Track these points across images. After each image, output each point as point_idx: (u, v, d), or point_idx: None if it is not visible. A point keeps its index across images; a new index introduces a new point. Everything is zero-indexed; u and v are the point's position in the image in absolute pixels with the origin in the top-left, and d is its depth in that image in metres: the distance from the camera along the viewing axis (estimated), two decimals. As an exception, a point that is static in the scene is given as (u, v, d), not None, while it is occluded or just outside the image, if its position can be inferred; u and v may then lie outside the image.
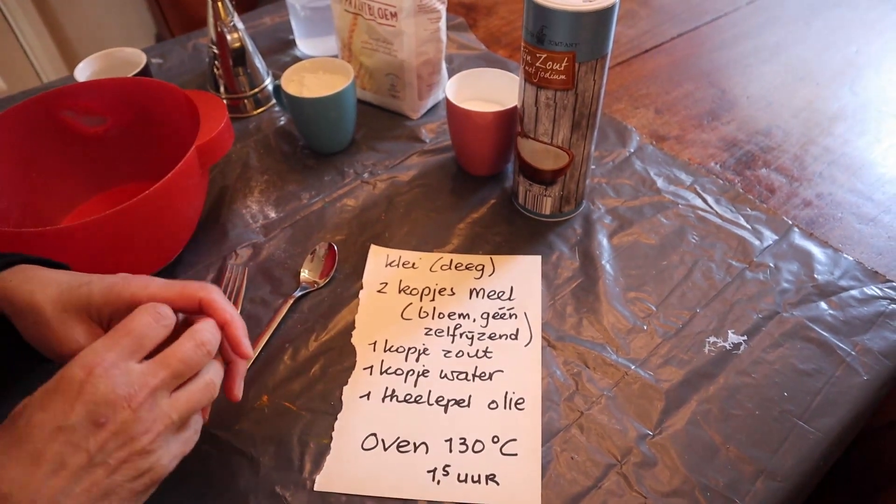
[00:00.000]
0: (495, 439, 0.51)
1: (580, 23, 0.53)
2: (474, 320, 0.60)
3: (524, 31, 0.57)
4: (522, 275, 0.64)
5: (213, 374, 0.41)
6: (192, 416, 0.40)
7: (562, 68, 0.56)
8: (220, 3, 0.78)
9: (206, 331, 0.40)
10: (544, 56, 0.55)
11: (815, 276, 0.63)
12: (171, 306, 0.41)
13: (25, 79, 1.87)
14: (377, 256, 0.66)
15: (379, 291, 0.63)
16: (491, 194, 0.73)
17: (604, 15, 0.53)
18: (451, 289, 0.63)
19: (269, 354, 0.58)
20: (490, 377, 0.56)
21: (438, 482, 0.49)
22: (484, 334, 0.59)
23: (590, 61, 0.55)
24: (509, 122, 0.68)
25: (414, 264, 0.65)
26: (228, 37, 0.80)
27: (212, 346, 0.40)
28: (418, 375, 0.56)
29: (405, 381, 0.55)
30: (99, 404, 0.34)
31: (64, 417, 0.34)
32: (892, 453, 0.72)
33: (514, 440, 0.51)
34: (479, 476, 0.49)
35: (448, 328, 0.59)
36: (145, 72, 0.79)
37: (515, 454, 0.50)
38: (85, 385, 0.35)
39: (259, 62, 0.85)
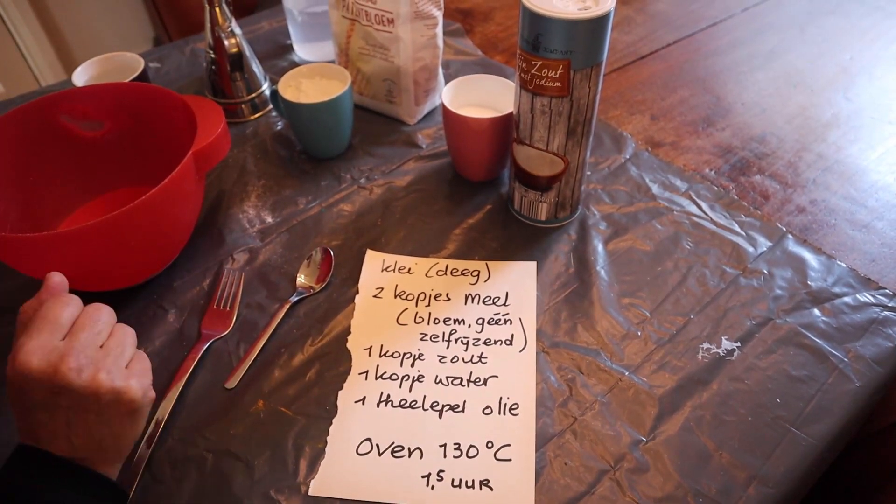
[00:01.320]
0: (489, 445, 0.51)
1: (575, 30, 0.53)
2: (469, 326, 0.60)
3: (520, 38, 0.57)
4: (517, 280, 0.64)
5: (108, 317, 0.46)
6: (110, 339, 0.45)
7: (557, 75, 0.56)
8: (217, 9, 0.78)
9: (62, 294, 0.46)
10: (540, 63, 0.56)
11: (809, 282, 0.63)
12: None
13: (23, 82, 1.87)
14: (373, 261, 0.66)
15: (375, 296, 0.63)
16: (487, 200, 0.73)
17: (599, 23, 0.53)
18: (447, 294, 0.63)
19: (265, 359, 0.58)
20: (485, 382, 0.56)
21: (433, 487, 0.49)
22: (479, 340, 0.59)
23: (585, 69, 0.56)
24: (505, 129, 0.68)
25: (410, 269, 0.66)
26: (226, 42, 0.80)
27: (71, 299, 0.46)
28: (413, 380, 0.56)
29: (400, 387, 0.56)
30: (44, 382, 0.41)
31: (28, 396, 0.41)
32: (888, 458, 0.73)
33: (508, 445, 0.51)
34: (473, 481, 0.49)
35: (443, 333, 0.60)
36: (143, 76, 0.79)
37: (509, 459, 0.50)
38: (28, 381, 0.41)
39: (256, 67, 0.85)
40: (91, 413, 0.42)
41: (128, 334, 0.46)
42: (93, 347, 0.43)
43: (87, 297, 0.63)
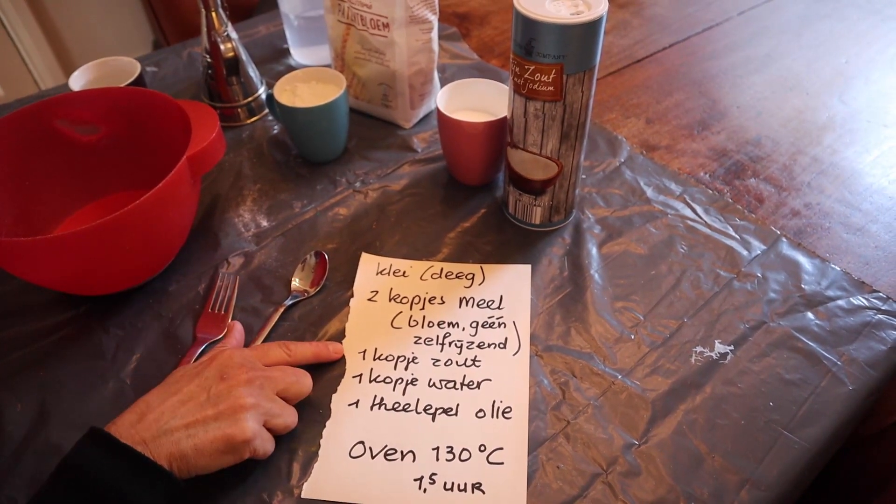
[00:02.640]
0: (482, 448, 0.51)
1: (568, 35, 0.53)
2: (463, 329, 0.60)
3: (513, 42, 0.57)
4: (512, 284, 0.64)
5: (298, 386, 0.53)
6: (275, 414, 0.49)
7: (550, 80, 0.56)
8: (213, 13, 0.79)
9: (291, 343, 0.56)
10: (532, 68, 0.56)
11: (803, 286, 0.63)
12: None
13: (23, 85, 1.88)
14: (368, 265, 0.66)
15: (369, 300, 0.63)
16: (481, 204, 0.73)
17: (591, 27, 0.54)
18: (441, 297, 0.63)
19: (259, 363, 0.58)
20: (478, 386, 0.56)
21: (425, 490, 0.49)
22: (473, 343, 0.59)
23: (578, 73, 0.56)
24: (499, 133, 0.69)
25: (404, 273, 0.66)
26: (222, 46, 0.81)
27: (293, 349, 0.55)
28: (407, 384, 0.56)
29: (394, 390, 0.56)
30: (227, 367, 0.48)
31: (203, 370, 0.48)
32: (882, 461, 0.73)
33: (501, 449, 0.51)
34: (466, 485, 0.49)
35: (437, 337, 0.60)
36: (139, 81, 0.79)
37: (502, 463, 0.50)
38: (221, 355, 0.50)
39: (253, 71, 0.86)
40: (209, 421, 0.45)
41: (293, 416, 0.51)
42: (272, 387, 0.49)
43: (83, 301, 0.63)
